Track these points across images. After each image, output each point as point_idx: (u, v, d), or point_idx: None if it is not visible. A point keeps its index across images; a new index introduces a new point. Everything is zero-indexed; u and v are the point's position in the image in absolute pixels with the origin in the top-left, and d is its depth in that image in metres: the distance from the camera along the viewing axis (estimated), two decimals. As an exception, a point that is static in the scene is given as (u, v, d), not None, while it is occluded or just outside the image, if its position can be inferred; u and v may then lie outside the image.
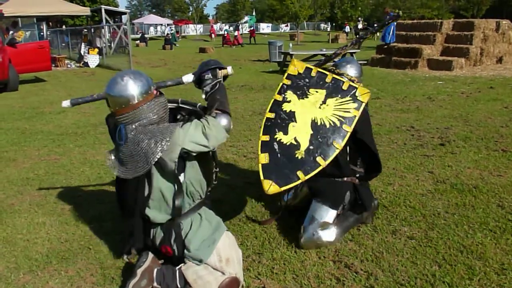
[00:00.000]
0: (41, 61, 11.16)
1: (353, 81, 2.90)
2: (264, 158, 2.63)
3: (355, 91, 2.78)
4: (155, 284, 2.30)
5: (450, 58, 12.81)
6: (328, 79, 2.83)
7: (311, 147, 2.66)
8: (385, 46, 14.42)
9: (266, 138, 2.70)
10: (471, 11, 36.89)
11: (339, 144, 2.65)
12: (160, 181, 2.34)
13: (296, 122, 2.72)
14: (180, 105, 2.59)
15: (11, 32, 11.48)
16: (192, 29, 51.20)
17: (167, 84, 2.55)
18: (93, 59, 15.85)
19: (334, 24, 50.46)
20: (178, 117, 2.57)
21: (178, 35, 41.54)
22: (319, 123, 2.71)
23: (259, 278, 2.51)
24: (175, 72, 13.98)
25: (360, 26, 26.29)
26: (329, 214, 2.85)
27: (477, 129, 5.65)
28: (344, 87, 2.80)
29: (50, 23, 21.64)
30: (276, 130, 2.71)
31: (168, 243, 2.41)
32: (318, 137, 2.68)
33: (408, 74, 12.23)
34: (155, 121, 2.30)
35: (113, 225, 3.16)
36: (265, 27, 51.08)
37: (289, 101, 2.80)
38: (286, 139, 2.70)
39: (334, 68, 3.02)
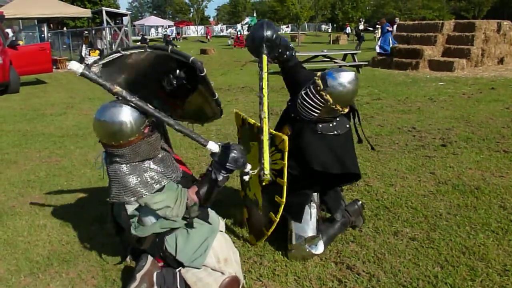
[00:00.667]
0: (42, 63, 11.18)
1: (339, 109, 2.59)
2: (246, 213, 3.04)
3: (274, 139, 2.57)
4: (155, 287, 2.29)
5: (451, 59, 12.79)
6: (254, 129, 2.71)
7: (264, 204, 2.75)
8: (384, 56, 14.43)
9: (242, 193, 3.10)
10: (472, 12, 36.87)
11: (280, 199, 2.54)
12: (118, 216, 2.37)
13: (251, 177, 2.45)
14: (171, 54, 2.21)
15: (11, 34, 11.49)
16: (193, 31, 51.26)
17: (191, 136, 2.21)
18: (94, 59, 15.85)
19: (335, 25, 50.49)
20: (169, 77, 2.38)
21: (179, 37, 41.56)
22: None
23: (261, 280, 2.50)
24: (176, 74, 13.97)
25: (361, 27, 26.27)
26: (312, 226, 2.72)
27: (478, 130, 5.63)
28: (269, 136, 2.52)
29: (51, 25, 21.70)
30: (246, 186, 2.96)
31: (157, 255, 2.40)
32: (266, 192, 2.67)
33: (409, 75, 12.22)
34: (143, 160, 2.21)
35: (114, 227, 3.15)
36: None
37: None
38: (250, 195, 2.93)
39: (324, 93, 2.54)
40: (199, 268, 2.27)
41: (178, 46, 30.63)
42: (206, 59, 20.07)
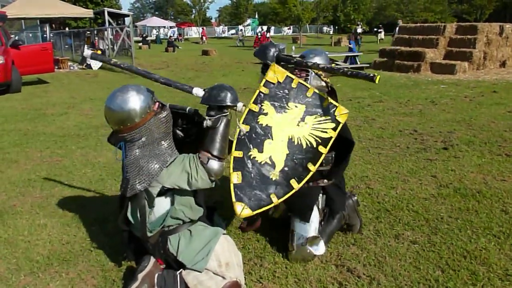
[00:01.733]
0: (44, 63, 11.19)
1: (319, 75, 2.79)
2: (236, 177, 2.44)
3: (334, 110, 2.58)
4: None
5: (453, 62, 12.78)
6: (309, 93, 2.60)
7: (285, 169, 2.50)
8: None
9: (239, 154, 2.49)
10: (474, 15, 36.86)
11: (313, 167, 2.50)
12: (137, 199, 2.33)
13: (272, 139, 2.52)
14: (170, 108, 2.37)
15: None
16: (195, 32, 51.33)
17: (176, 85, 2.40)
18: (95, 61, 15.87)
19: (336, 27, 50.50)
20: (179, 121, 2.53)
21: (180, 38, 41.67)
22: (296, 143, 2.54)
23: (261, 282, 2.49)
24: (177, 75, 13.99)
25: (359, 30, 26.28)
26: (314, 227, 2.71)
27: (480, 133, 5.62)
28: (324, 104, 2.58)
29: (53, 25, 21.72)
30: (251, 146, 2.51)
31: (158, 256, 2.40)
32: (294, 157, 2.52)
33: (411, 77, 12.20)
34: (157, 139, 2.24)
35: (115, 227, 3.12)
36: (263, 30, 51.12)
37: (266, 114, 2.57)
38: (260, 157, 2.50)
39: (302, 59, 2.79)
40: (200, 271, 2.26)
41: (180, 47, 30.74)
42: (208, 60, 20.10)
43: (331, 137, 2.54)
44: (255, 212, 2.41)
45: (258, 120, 2.56)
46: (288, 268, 2.62)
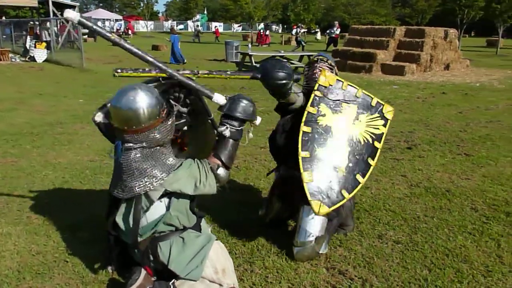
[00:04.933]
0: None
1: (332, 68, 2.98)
2: (307, 176, 2.53)
3: (382, 108, 2.81)
4: None
5: (402, 63, 13.35)
6: (358, 94, 2.80)
7: (350, 165, 2.65)
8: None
9: (306, 154, 2.59)
10: (416, 19, 38.70)
11: (373, 161, 2.70)
12: (120, 213, 2.21)
13: (333, 138, 2.67)
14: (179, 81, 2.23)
15: None
16: (143, 26, 49.89)
17: (196, 86, 2.21)
18: (40, 54, 14.91)
19: (285, 26, 51.04)
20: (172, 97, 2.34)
21: (129, 31, 40.29)
22: (354, 140, 2.71)
23: (255, 288, 2.43)
24: (130, 70, 13.47)
25: (300, 30, 26.86)
26: (321, 225, 2.73)
27: (438, 133, 5.89)
28: (373, 103, 2.80)
29: (-11, 14, 20.16)
30: (315, 145, 2.63)
31: (147, 264, 2.25)
32: (355, 154, 2.68)
33: (363, 78, 12.59)
34: (160, 144, 2.12)
35: (89, 234, 2.94)
36: (217, 26, 50.76)
37: (324, 115, 2.71)
38: (326, 155, 2.63)
39: (319, 59, 3.03)
40: (195, 280, 2.16)
41: (128, 42, 29.67)
42: (159, 55, 19.54)
43: (383, 133, 2.77)
44: (331, 209, 2.52)
45: (318, 122, 2.69)
46: (279, 273, 2.58)
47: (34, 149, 4.96)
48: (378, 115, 2.79)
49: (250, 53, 13.29)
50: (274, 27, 58.79)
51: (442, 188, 3.91)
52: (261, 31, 32.36)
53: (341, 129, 2.71)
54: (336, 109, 2.75)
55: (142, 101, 2.01)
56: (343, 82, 2.80)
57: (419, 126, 6.32)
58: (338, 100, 2.77)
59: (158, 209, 2.18)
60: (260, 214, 3.07)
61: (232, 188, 3.82)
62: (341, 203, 2.56)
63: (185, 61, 16.19)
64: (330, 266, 2.65)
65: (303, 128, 2.64)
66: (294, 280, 2.51)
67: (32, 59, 14.76)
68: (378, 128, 2.76)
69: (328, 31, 24.52)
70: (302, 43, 24.02)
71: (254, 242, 2.91)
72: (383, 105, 2.83)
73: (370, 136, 2.73)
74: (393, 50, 14.15)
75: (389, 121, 2.80)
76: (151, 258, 2.24)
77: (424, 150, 5.11)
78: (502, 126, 6.30)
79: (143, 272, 2.21)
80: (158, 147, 2.11)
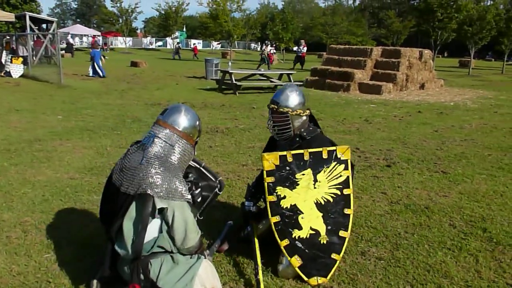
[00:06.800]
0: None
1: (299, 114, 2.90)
2: (296, 261, 2.63)
3: (335, 154, 2.77)
4: None
5: (379, 82, 13.68)
6: (306, 157, 2.74)
7: (329, 227, 2.70)
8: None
9: (286, 242, 2.66)
10: (391, 39, 39.89)
11: (350, 209, 2.74)
12: (130, 217, 2.20)
13: (303, 213, 2.69)
14: (202, 169, 2.68)
15: None
16: (121, 42, 49.70)
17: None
18: (16, 69, 14.67)
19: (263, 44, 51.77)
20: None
21: (106, 47, 40.08)
22: (323, 202, 2.72)
23: (242, 307, 2.43)
24: (109, 86, 13.40)
25: (268, 49, 27.44)
26: None
27: (416, 151, 6.04)
28: (324, 155, 2.76)
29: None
30: (290, 229, 2.68)
31: (136, 282, 2.22)
32: (330, 214, 2.71)
33: (341, 96, 12.84)
34: (179, 164, 2.31)
35: (72, 253, 2.90)
36: (195, 44, 51.05)
37: (284, 197, 2.70)
38: (303, 233, 2.68)
39: (275, 107, 2.87)
40: None
41: (106, 57, 29.53)
42: (139, 72, 19.50)
43: (348, 176, 2.75)
44: (328, 277, 2.65)
45: (282, 206, 2.70)
46: (265, 290, 2.59)
47: (11, 166, 4.85)
48: (335, 163, 2.76)
49: (230, 71, 13.38)
50: (253, 45, 59.58)
51: (421, 205, 4.01)
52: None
53: (307, 200, 2.71)
54: (293, 184, 2.72)
55: (193, 117, 2.43)
56: (286, 154, 2.74)
57: (397, 144, 6.48)
58: (290, 174, 2.72)
59: (154, 225, 2.19)
60: (244, 234, 3.07)
61: (215, 206, 3.83)
62: (335, 266, 2.68)
63: (105, 75, 16.42)
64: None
65: (272, 219, 2.67)
66: (280, 297, 2.53)
67: (8, 74, 14.50)
68: (341, 175, 2.75)
69: (295, 49, 25.27)
70: (266, 60, 24.71)
71: (239, 260, 2.92)
72: (336, 149, 2.77)
73: (337, 188, 2.74)
74: (370, 69, 14.51)
75: (349, 161, 2.77)
76: (141, 276, 2.21)
77: (403, 167, 5.24)
78: (476, 145, 6.52)
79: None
80: (178, 166, 2.29)
